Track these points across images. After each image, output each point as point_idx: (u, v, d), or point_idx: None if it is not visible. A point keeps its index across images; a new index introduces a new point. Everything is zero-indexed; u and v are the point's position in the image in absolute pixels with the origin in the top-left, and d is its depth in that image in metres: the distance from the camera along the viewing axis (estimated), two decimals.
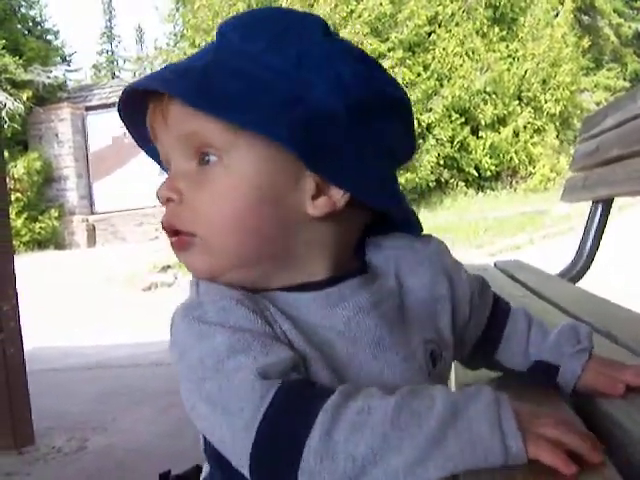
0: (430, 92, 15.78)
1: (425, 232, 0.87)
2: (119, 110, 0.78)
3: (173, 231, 0.76)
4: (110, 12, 43.40)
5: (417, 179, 15.17)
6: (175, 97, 0.71)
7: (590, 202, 2.87)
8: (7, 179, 3.43)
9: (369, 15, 15.18)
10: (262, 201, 0.72)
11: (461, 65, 15.97)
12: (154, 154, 0.82)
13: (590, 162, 2.70)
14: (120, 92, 0.78)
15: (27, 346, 3.17)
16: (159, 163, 0.82)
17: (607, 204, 2.75)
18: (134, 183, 14.67)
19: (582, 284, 2.71)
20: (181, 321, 0.71)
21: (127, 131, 0.82)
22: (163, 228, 0.77)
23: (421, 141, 15.54)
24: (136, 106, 0.77)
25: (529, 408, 0.62)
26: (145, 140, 0.81)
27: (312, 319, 0.74)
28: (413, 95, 15.48)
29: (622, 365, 0.85)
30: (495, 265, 3.03)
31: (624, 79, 20.10)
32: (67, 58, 27.10)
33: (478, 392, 0.61)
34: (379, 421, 0.59)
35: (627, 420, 0.75)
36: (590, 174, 2.73)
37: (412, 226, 0.84)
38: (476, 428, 0.58)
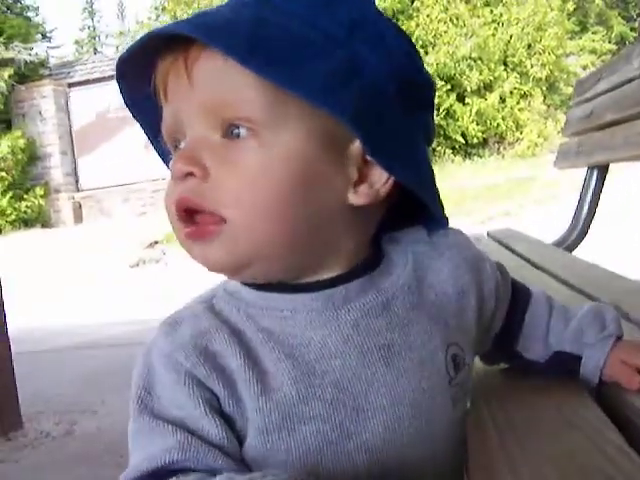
0: None
1: None
2: (118, 65, 0.66)
3: (185, 213, 0.64)
4: None
5: None
6: (216, 51, 0.59)
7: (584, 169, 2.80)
8: None
9: None
10: (306, 186, 0.63)
11: (445, 31, 15.81)
12: (146, 121, 0.71)
13: (585, 127, 2.62)
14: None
15: (15, 327, 3.09)
16: (149, 133, 0.72)
17: (603, 170, 2.68)
18: (119, 159, 14.61)
19: (577, 253, 2.66)
20: (139, 361, 0.66)
21: (121, 91, 0.69)
22: (175, 206, 0.64)
23: None
24: (136, 65, 0.66)
25: None
26: (137, 105, 0.70)
27: (309, 326, 0.66)
28: None
29: None
30: (488, 234, 2.97)
31: (609, 42, 19.90)
32: (48, 35, 26.67)
33: None
34: None
35: None
36: (585, 139, 2.66)
37: (438, 219, 0.74)
38: None
